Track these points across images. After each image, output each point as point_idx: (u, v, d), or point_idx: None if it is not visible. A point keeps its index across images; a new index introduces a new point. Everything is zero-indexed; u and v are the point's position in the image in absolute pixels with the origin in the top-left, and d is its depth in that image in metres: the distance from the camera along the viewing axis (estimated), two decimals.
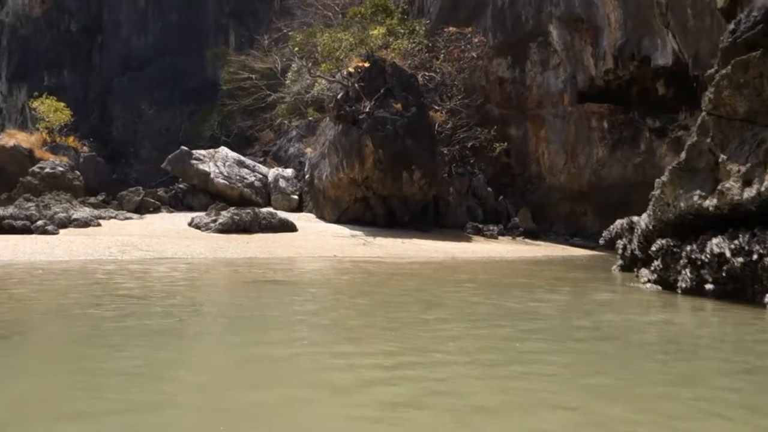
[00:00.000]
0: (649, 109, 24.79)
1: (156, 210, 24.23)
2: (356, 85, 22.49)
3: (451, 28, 26.25)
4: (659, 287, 9.69)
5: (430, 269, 13.79)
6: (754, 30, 8.46)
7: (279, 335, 6.27)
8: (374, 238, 19.55)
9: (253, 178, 26.76)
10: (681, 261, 9.00)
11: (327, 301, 8.66)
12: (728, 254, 8.06)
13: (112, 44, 41.72)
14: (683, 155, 8.91)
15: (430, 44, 26.33)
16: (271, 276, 11.61)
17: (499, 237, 23.07)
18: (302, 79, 30.24)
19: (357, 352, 5.56)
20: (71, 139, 28.99)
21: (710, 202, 8.35)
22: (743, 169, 7.95)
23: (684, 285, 8.89)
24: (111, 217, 21.17)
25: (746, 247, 7.93)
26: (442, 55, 26.25)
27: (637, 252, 12.00)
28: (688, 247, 8.86)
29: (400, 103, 22.49)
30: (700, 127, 8.63)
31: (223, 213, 20.32)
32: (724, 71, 8.22)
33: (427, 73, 25.79)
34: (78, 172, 25.95)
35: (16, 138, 27.26)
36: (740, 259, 7.89)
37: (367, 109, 22.06)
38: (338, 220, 22.68)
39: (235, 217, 19.52)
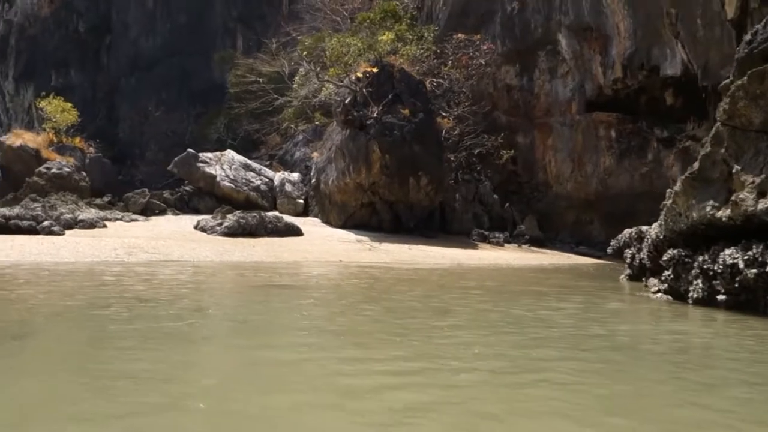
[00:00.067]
0: (657, 119, 24.76)
1: (162, 212, 24.20)
2: (364, 90, 22.47)
3: (459, 35, 26.24)
4: (669, 297, 9.61)
5: (437, 275, 13.72)
6: None
7: (287, 340, 6.21)
8: (380, 243, 19.49)
9: (259, 182, 26.73)
10: (693, 271, 8.92)
11: (335, 307, 8.59)
12: (741, 265, 7.99)
13: (120, 45, 41.84)
14: (696, 165, 8.83)
15: (438, 50, 26.33)
16: (278, 280, 11.56)
17: (505, 244, 23.01)
18: (309, 83, 30.27)
19: (366, 357, 5.49)
20: (78, 139, 29.01)
21: (723, 213, 8.28)
22: (758, 180, 7.88)
23: (695, 295, 8.80)
24: (117, 219, 21.15)
25: (760, 259, 7.85)
26: (451, 62, 26.25)
27: (646, 261, 11.93)
28: (700, 258, 8.79)
29: (407, 109, 22.46)
30: (714, 137, 8.56)
31: (229, 216, 20.28)
32: (739, 82, 8.15)
33: (435, 80, 25.79)
34: (84, 173, 25.95)
35: (23, 138, 27.30)
36: (754, 271, 7.82)
37: (375, 115, 22.04)
38: (344, 225, 22.63)
39: (241, 220, 19.48)
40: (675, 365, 5.58)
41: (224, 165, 26.70)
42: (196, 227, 20.21)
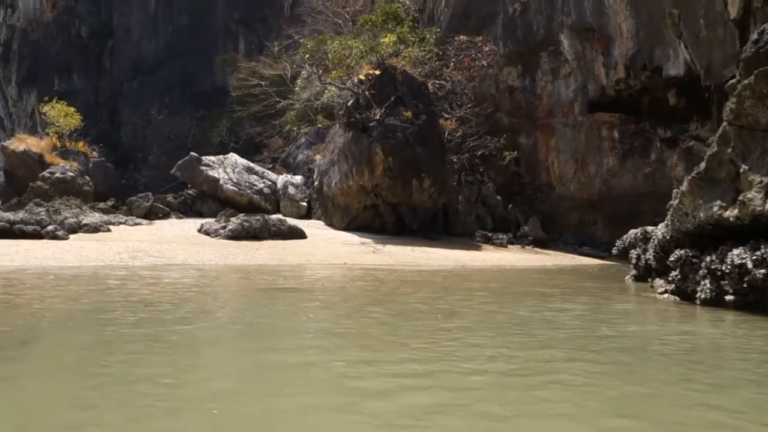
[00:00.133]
0: (660, 120, 24.71)
1: (165, 216, 24.19)
2: (367, 92, 22.47)
3: (461, 37, 26.23)
4: (676, 298, 9.58)
5: (442, 277, 13.70)
6: None
7: (294, 343, 6.20)
8: (384, 245, 19.47)
9: (262, 185, 26.73)
10: (700, 271, 8.89)
11: (342, 309, 8.58)
12: (750, 265, 7.96)
13: (122, 48, 41.91)
14: (703, 165, 8.81)
15: (440, 52, 26.31)
16: (283, 283, 11.55)
17: (509, 246, 22.98)
18: (312, 86, 30.26)
19: (374, 360, 5.48)
20: (81, 144, 28.99)
21: (731, 213, 8.25)
22: (765, 179, 7.86)
23: (703, 296, 8.77)
24: (120, 223, 21.13)
25: None
26: (453, 64, 26.24)
27: (651, 262, 11.91)
28: (708, 258, 8.76)
29: (410, 111, 22.45)
30: (721, 137, 8.54)
31: (233, 219, 20.27)
32: (746, 81, 8.13)
33: (437, 81, 25.78)
34: (88, 178, 25.94)
35: (26, 143, 27.30)
36: (762, 271, 7.79)
37: (378, 117, 22.04)
38: (347, 228, 22.61)
39: (244, 223, 19.47)
40: (684, 366, 5.56)
41: (227, 168, 26.70)
42: (199, 231, 20.19)
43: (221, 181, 26.12)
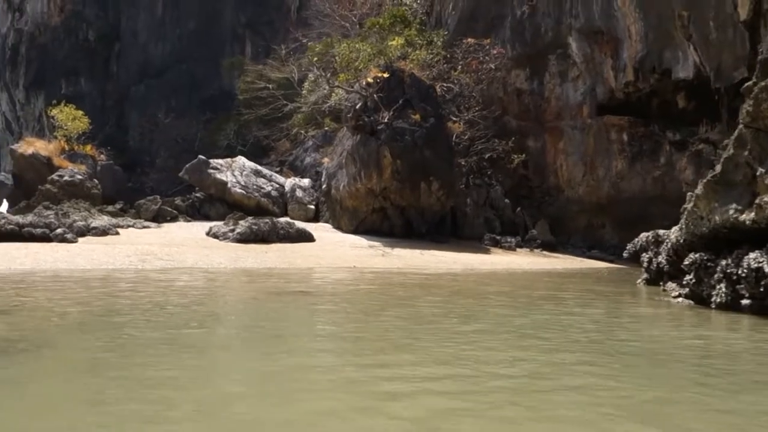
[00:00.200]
0: (670, 122, 24.63)
1: (173, 219, 24.19)
2: (375, 95, 22.44)
3: (469, 40, 26.19)
4: (691, 302, 9.51)
5: (453, 281, 13.64)
6: None
7: (311, 346, 6.17)
8: (392, 249, 19.43)
9: (270, 188, 26.71)
10: (716, 275, 8.82)
11: (356, 313, 8.53)
12: (767, 269, 7.88)
13: (129, 52, 41.99)
14: (718, 168, 8.74)
15: (448, 55, 26.28)
16: (294, 287, 11.51)
17: (517, 249, 22.92)
18: (319, 89, 30.23)
19: (392, 363, 5.43)
20: (89, 147, 29.05)
21: (747, 216, 8.18)
22: None
23: (719, 300, 8.70)
24: (129, 226, 21.15)
25: None
26: (460, 66, 26.20)
27: (664, 265, 11.83)
28: (723, 262, 8.69)
29: (418, 114, 22.42)
30: (737, 139, 8.47)
31: (241, 222, 20.26)
32: (763, 83, 8.07)
33: (445, 84, 25.73)
34: (96, 181, 25.98)
35: (34, 146, 27.35)
36: None
37: (386, 120, 22.01)
38: (355, 231, 22.57)
39: (253, 226, 19.45)
40: (701, 371, 5.50)
41: (235, 171, 26.69)
42: (208, 234, 20.20)
43: (229, 184, 26.10)
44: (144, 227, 21.54)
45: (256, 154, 32.00)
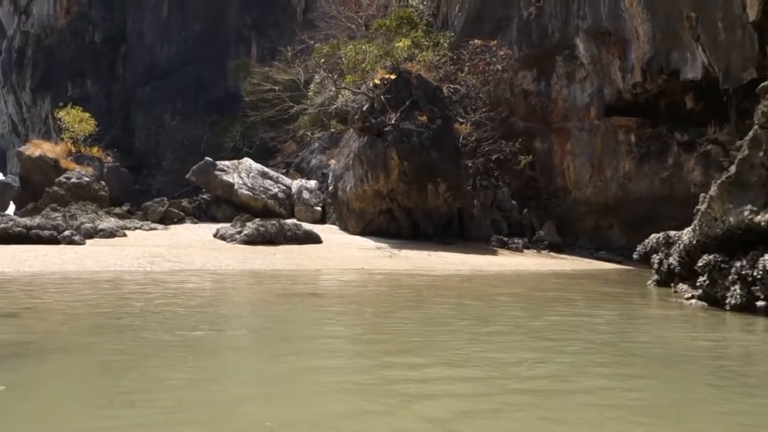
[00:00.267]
0: (678, 123, 24.54)
1: (180, 221, 24.17)
2: (382, 96, 22.40)
3: (476, 41, 26.13)
4: (704, 303, 9.44)
5: (462, 282, 13.60)
6: None
7: (325, 348, 6.12)
8: (399, 250, 19.38)
9: (276, 190, 26.69)
10: (730, 277, 8.75)
11: (368, 315, 8.48)
12: None
13: (135, 54, 42.04)
14: (733, 169, 8.68)
15: (454, 57, 26.24)
16: (304, 288, 11.48)
17: (524, 250, 22.85)
18: (325, 90, 30.22)
19: (409, 364, 5.39)
20: (95, 149, 29.08)
21: (762, 217, 8.12)
22: None
23: (733, 301, 8.64)
24: (136, 228, 21.13)
25: None
26: (467, 68, 26.14)
27: (675, 267, 11.76)
28: (738, 263, 8.62)
29: (425, 116, 22.37)
30: (752, 140, 8.41)
31: (249, 224, 20.23)
32: None
33: (451, 86, 25.68)
34: (103, 183, 26.00)
35: (41, 148, 27.37)
36: None
37: (393, 121, 21.97)
38: (362, 232, 22.53)
39: (260, 228, 19.42)
40: (716, 374, 5.45)
41: (242, 173, 26.67)
42: (215, 235, 20.17)
43: (236, 186, 26.09)
44: (151, 229, 21.52)
45: (262, 155, 31.99)
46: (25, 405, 4.11)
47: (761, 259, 8.18)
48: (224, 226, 20.96)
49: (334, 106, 28.41)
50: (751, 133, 8.52)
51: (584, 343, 6.56)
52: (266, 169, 28.03)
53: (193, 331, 6.72)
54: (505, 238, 23.28)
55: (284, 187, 27.08)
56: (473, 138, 25.22)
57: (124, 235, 19.50)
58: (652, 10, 23.23)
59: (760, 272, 8.14)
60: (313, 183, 27.60)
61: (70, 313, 7.70)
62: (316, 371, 5.12)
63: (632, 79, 24.55)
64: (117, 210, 23.92)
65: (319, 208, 26.14)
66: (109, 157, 29.95)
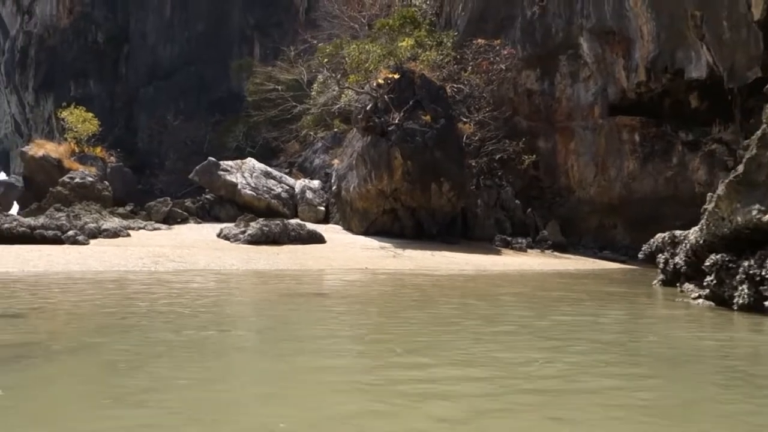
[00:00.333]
0: (682, 122, 24.46)
1: (184, 221, 24.16)
2: (385, 96, 22.37)
3: (479, 40, 26.09)
4: (712, 303, 9.39)
5: (466, 282, 13.56)
6: None
7: (333, 348, 6.10)
8: (403, 250, 19.35)
9: (280, 190, 26.67)
10: (738, 276, 8.70)
11: (374, 315, 8.45)
12: None
13: (138, 54, 42.06)
14: (741, 168, 8.63)
15: (458, 56, 26.19)
16: (309, 288, 11.46)
17: (528, 250, 22.80)
18: (328, 90, 30.20)
19: (421, 364, 5.36)
20: (99, 149, 29.10)
21: None
22: None
23: (741, 301, 8.59)
24: (140, 228, 21.13)
25: None
26: (471, 67, 26.11)
27: (681, 266, 11.71)
28: (746, 263, 8.57)
29: (429, 115, 22.34)
30: (761, 139, 8.36)
31: (252, 224, 20.22)
32: None
33: (455, 85, 25.64)
34: (107, 183, 26.01)
35: (45, 148, 27.39)
36: None
37: (396, 121, 21.94)
38: (366, 232, 22.50)
39: (264, 228, 19.40)
40: (724, 374, 5.40)
41: (245, 173, 26.66)
42: (219, 235, 20.17)
43: (239, 186, 26.07)
44: (155, 229, 21.52)
45: (265, 155, 31.97)
46: (32, 405, 4.09)
47: None
48: (228, 226, 20.95)
49: (338, 106, 28.39)
50: (759, 132, 8.47)
51: (590, 342, 6.53)
52: (269, 169, 28.01)
53: (199, 332, 6.70)
54: (509, 238, 23.22)
55: (287, 187, 27.06)
56: (477, 137, 25.18)
57: (128, 235, 19.50)
58: (656, 9, 23.15)
59: None
60: (316, 183, 27.58)
61: (75, 314, 7.68)
62: (322, 371, 5.10)
63: (636, 78, 24.48)
64: (120, 210, 23.91)
65: (322, 208, 26.12)
66: (112, 157, 29.96)
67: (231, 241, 19.35)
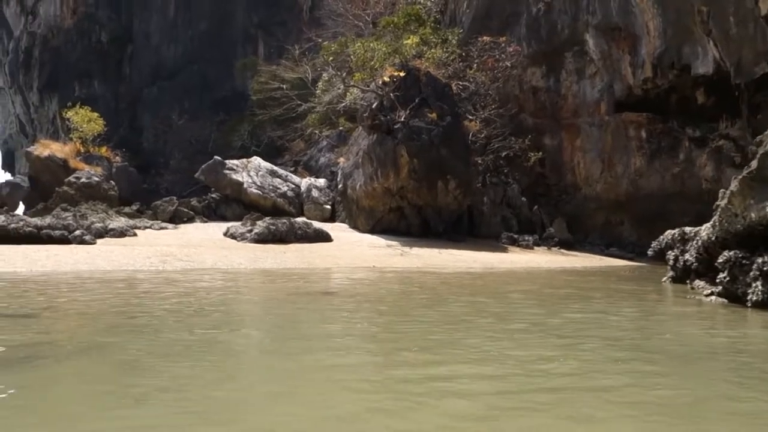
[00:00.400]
0: (689, 118, 24.36)
1: (190, 220, 24.15)
2: (391, 94, 22.31)
3: (484, 38, 26.01)
4: (725, 300, 9.32)
5: (474, 280, 13.51)
6: None
7: (345, 347, 6.07)
8: (410, 248, 19.31)
9: (285, 188, 26.65)
10: (751, 273, 8.63)
11: (385, 313, 8.39)
12: None
13: (142, 54, 42.08)
14: (754, 164, 8.55)
15: (463, 53, 26.12)
16: (317, 287, 11.42)
17: (534, 247, 22.74)
18: (333, 88, 30.14)
19: (434, 362, 5.33)
20: (104, 149, 29.12)
21: None
22: None
23: (755, 298, 8.52)
24: (146, 227, 21.12)
25: None
26: (476, 65, 26.04)
27: (692, 263, 11.63)
28: (760, 259, 8.50)
29: (434, 113, 22.28)
30: None
31: (259, 223, 20.19)
32: None
33: (460, 83, 25.59)
34: (113, 182, 26.01)
35: (50, 148, 27.42)
36: None
37: (402, 119, 21.89)
38: (372, 230, 22.46)
39: (271, 227, 19.37)
40: (738, 372, 5.34)
41: (251, 172, 26.63)
42: (225, 234, 20.14)
43: (245, 185, 26.05)
44: (161, 228, 21.50)
45: (270, 154, 31.94)
46: (44, 404, 4.08)
47: None
48: (234, 225, 20.93)
49: (343, 104, 28.34)
50: None
51: (603, 340, 6.48)
52: (275, 168, 27.99)
53: (209, 330, 6.68)
54: (516, 236, 23.17)
55: (293, 186, 27.04)
56: (483, 135, 25.12)
57: (135, 234, 19.48)
58: (662, 4, 23.03)
59: None
60: (322, 181, 27.55)
61: (86, 313, 7.66)
62: (333, 369, 5.08)
63: (643, 75, 24.37)
64: (127, 209, 23.92)
65: (328, 207, 26.09)
66: (117, 157, 30.00)
67: (238, 240, 19.33)
